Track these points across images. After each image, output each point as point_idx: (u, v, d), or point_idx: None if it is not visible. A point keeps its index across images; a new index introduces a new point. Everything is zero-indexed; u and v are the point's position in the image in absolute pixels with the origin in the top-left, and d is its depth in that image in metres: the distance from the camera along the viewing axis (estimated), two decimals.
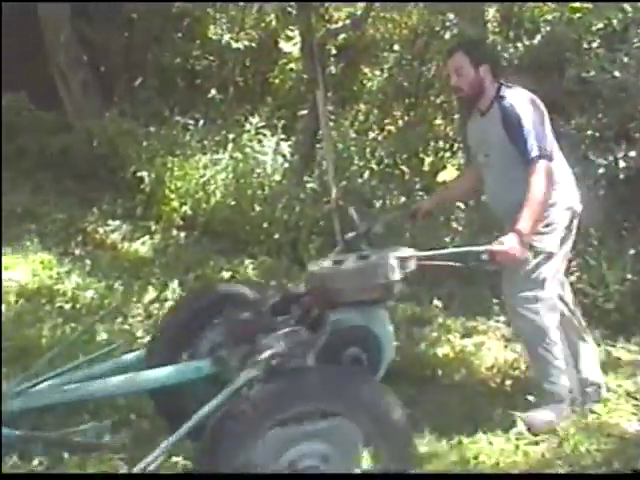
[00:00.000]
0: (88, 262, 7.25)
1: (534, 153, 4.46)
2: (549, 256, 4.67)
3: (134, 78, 10.81)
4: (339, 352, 3.96)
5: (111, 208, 8.39)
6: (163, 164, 8.66)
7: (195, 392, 4.17)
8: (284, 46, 11.67)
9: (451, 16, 9.84)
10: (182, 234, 8.08)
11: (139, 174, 8.59)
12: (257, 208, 8.19)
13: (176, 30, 11.33)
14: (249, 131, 9.43)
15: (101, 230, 7.95)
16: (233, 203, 8.30)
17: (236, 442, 3.38)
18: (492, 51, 5.30)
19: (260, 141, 9.24)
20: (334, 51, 11.46)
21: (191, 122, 9.73)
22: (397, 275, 4.00)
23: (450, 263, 4.40)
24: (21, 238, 7.55)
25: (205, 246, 7.85)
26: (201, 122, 9.78)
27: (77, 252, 7.51)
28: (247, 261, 7.48)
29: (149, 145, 9.06)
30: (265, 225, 7.95)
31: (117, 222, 8.12)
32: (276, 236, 7.83)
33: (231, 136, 9.31)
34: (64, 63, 9.97)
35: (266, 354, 3.64)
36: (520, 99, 4.61)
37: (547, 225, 4.63)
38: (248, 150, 9.03)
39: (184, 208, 8.32)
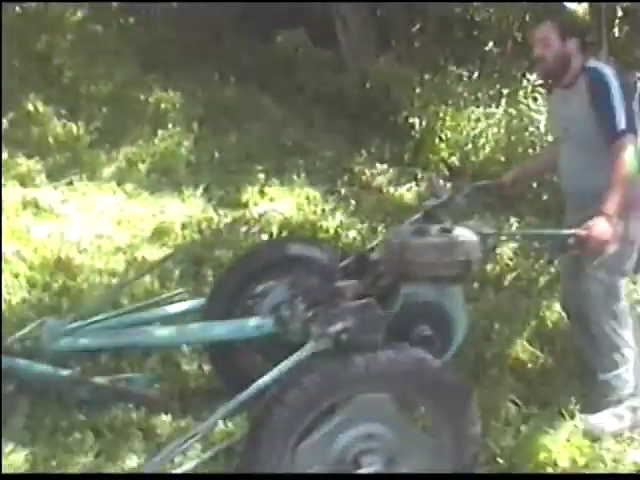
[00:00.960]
0: (353, 202, 7.22)
1: (621, 126, 4.12)
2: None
3: (412, 24, 10.63)
4: (408, 328, 3.74)
5: (379, 151, 8.29)
6: (435, 113, 8.50)
7: (253, 349, 4.10)
8: (568, 4, 11.17)
9: None
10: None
11: (410, 120, 8.48)
12: None
13: None
14: (525, 88, 9.05)
15: (368, 172, 7.88)
16: (503, 159, 8.04)
17: (294, 413, 3.21)
18: (582, 24, 4.88)
19: (535, 99, 8.84)
20: (620, 13, 10.87)
21: (466, 73, 9.48)
22: (478, 253, 3.77)
23: None
24: (289, 171, 7.60)
25: (471, 199, 7.60)
26: (476, 74, 9.51)
27: (343, 191, 7.47)
28: (513, 219, 7.19)
29: (422, 92, 8.89)
30: (534, 185, 7.62)
31: (384, 166, 8.03)
32: (545, 197, 7.51)
33: (506, 91, 8.99)
34: (344, 3, 9.91)
35: (336, 327, 3.44)
36: (609, 71, 4.26)
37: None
38: (522, 107, 8.67)
39: (452, 159, 8.12)
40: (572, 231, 3.99)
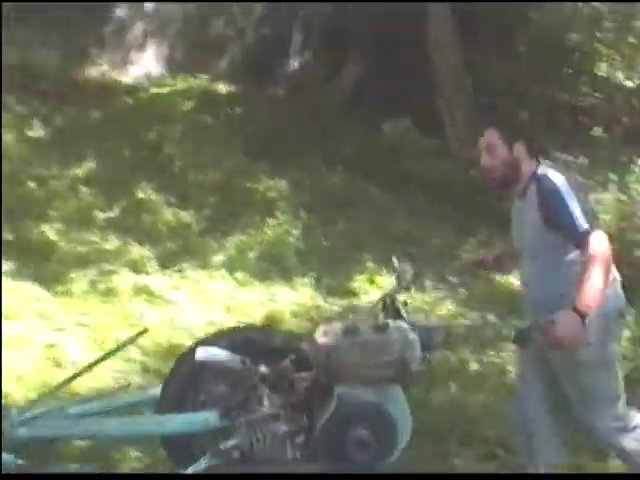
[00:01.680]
0: (463, 291, 7.16)
1: (584, 226, 3.81)
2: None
3: (517, 109, 10.62)
4: (344, 431, 3.61)
5: (488, 238, 8.22)
6: None
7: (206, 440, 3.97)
8: None
9: None
10: None
11: None
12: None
13: (564, 64, 11.04)
14: (635, 173, 8.95)
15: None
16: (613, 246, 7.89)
17: None
18: (528, 127, 4.60)
19: None
20: None
21: (573, 159, 9.40)
22: (417, 351, 3.61)
23: None
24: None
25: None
26: (583, 160, 9.43)
27: (452, 279, 7.41)
28: None
29: None
30: None
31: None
32: None
33: (615, 177, 8.88)
34: (450, 89, 9.97)
35: (228, 444, 3.41)
36: (559, 177, 3.94)
37: None
38: (633, 192, 8.56)
39: None
40: (531, 323, 3.80)
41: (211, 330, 6.20)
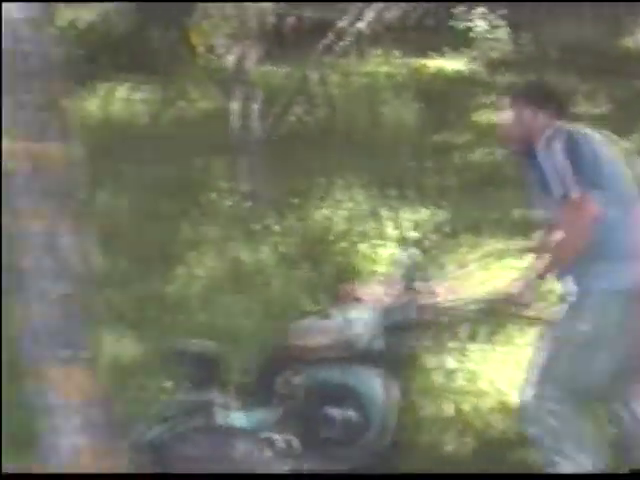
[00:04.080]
0: None
1: (562, 191, 3.45)
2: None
3: None
4: (315, 411, 3.77)
5: None
6: None
7: None
8: None
9: None
10: None
11: None
12: None
13: None
14: None
15: None
16: None
17: None
18: (556, 91, 4.06)
19: None
20: None
21: None
22: (359, 330, 3.74)
23: None
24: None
25: None
26: None
27: None
28: None
29: None
30: None
31: None
32: None
33: None
34: None
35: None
36: (564, 135, 3.54)
37: None
38: None
39: None
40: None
41: None
